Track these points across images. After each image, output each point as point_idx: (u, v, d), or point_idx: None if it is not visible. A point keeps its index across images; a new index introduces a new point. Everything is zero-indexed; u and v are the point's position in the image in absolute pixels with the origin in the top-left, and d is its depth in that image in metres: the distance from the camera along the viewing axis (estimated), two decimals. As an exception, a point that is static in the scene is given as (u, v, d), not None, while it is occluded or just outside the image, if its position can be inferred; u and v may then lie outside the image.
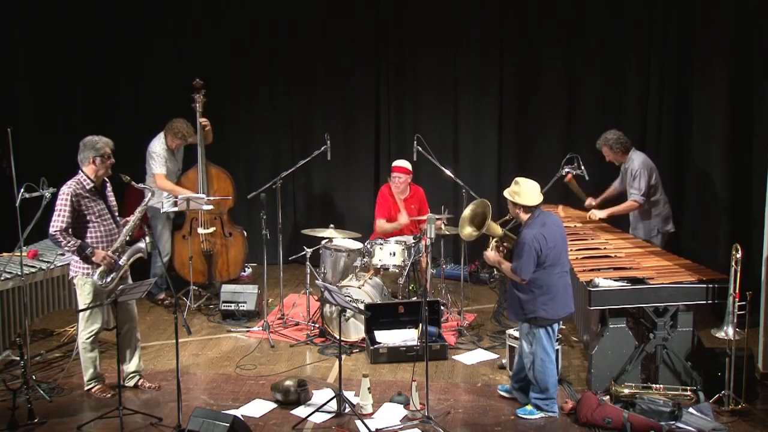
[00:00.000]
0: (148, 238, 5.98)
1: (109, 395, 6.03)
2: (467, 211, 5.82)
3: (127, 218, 6.10)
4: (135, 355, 6.21)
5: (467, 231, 5.79)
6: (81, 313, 5.96)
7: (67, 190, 5.81)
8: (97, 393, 6.10)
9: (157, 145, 7.91)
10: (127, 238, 6.07)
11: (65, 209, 5.77)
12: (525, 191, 5.61)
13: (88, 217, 5.87)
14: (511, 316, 5.99)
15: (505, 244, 5.82)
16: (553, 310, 5.64)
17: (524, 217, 5.63)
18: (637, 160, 7.20)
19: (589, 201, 7.61)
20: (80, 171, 5.90)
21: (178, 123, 7.91)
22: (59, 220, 5.76)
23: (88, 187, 5.87)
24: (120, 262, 5.97)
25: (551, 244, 5.57)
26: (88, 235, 5.89)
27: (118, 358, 5.70)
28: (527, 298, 5.62)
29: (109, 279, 5.90)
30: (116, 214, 6.08)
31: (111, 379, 6.10)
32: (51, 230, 5.78)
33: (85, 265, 5.91)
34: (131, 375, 6.24)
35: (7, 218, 6.31)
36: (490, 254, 5.82)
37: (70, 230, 5.78)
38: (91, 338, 6.02)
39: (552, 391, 5.75)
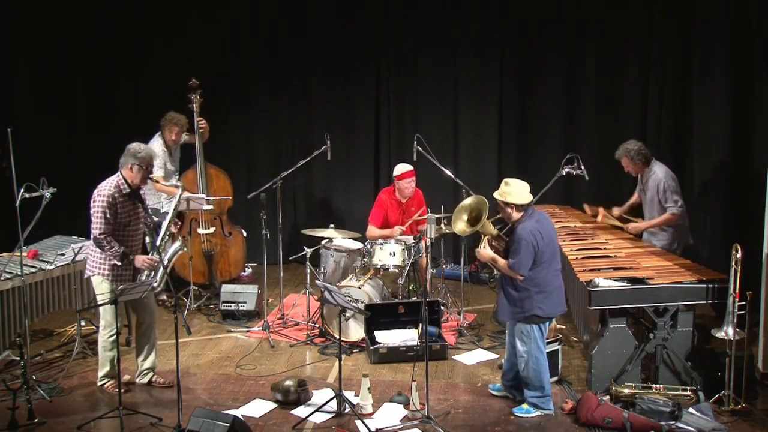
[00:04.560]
0: (157, 240, 6.11)
1: (123, 390, 6.00)
2: (468, 201, 5.81)
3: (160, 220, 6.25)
4: (152, 352, 6.25)
5: (460, 226, 5.80)
6: (101, 313, 5.98)
7: (105, 193, 5.83)
8: (110, 389, 6.13)
9: (156, 147, 7.80)
10: (168, 237, 6.22)
11: (105, 213, 5.79)
12: (516, 191, 5.59)
13: (121, 220, 5.89)
14: (503, 317, 5.87)
15: (494, 243, 5.80)
16: (549, 308, 5.66)
17: (516, 216, 5.61)
18: (660, 171, 6.95)
19: (616, 212, 7.37)
20: (120, 173, 5.94)
21: (172, 113, 7.88)
22: (100, 223, 5.80)
23: (124, 192, 5.90)
24: (165, 262, 6.11)
25: (547, 240, 5.59)
26: (121, 236, 5.91)
27: (118, 358, 5.70)
28: (523, 296, 5.62)
29: (155, 281, 5.98)
30: (149, 217, 6.16)
31: (127, 372, 6.17)
32: (95, 233, 5.81)
33: (101, 267, 5.93)
34: (145, 371, 6.26)
35: (7, 218, 6.30)
36: (484, 252, 5.77)
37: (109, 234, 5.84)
38: (112, 338, 6.00)
39: (547, 389, 5.76)
